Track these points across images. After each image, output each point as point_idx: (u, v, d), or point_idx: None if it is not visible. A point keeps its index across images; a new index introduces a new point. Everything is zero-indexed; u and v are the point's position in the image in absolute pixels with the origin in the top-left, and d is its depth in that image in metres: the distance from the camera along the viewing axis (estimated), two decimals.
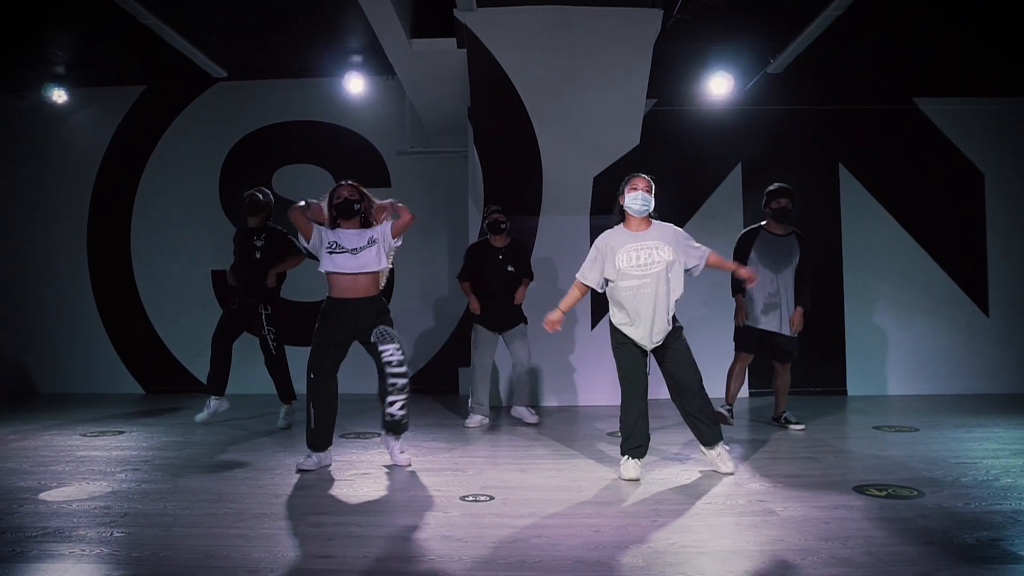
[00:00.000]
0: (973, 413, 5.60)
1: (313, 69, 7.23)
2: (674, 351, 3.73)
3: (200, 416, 5.24)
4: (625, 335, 3.71)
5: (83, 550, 2.67)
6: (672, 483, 3.61)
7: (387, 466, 4.01)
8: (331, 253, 3.89)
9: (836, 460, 4.09)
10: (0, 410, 6.10)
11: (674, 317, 3.72)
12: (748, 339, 5.09)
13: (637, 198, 3.68)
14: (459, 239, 7.16)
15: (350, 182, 4.04)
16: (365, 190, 4.05)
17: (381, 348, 3.88)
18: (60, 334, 7.47)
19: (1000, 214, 6.98)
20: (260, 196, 5.27)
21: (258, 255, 5.22)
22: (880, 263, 6.95)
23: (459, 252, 7.22)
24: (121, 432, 5.10)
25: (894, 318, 6.92)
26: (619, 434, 3.78)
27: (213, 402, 5.26)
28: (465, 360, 6.60)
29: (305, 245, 4.07)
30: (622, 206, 3.76)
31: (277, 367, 5.31)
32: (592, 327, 6.49)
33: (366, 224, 4.01)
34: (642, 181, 3.73)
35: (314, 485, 3.60)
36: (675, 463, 4.03)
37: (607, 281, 3.75)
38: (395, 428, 3.98)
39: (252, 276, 5.22)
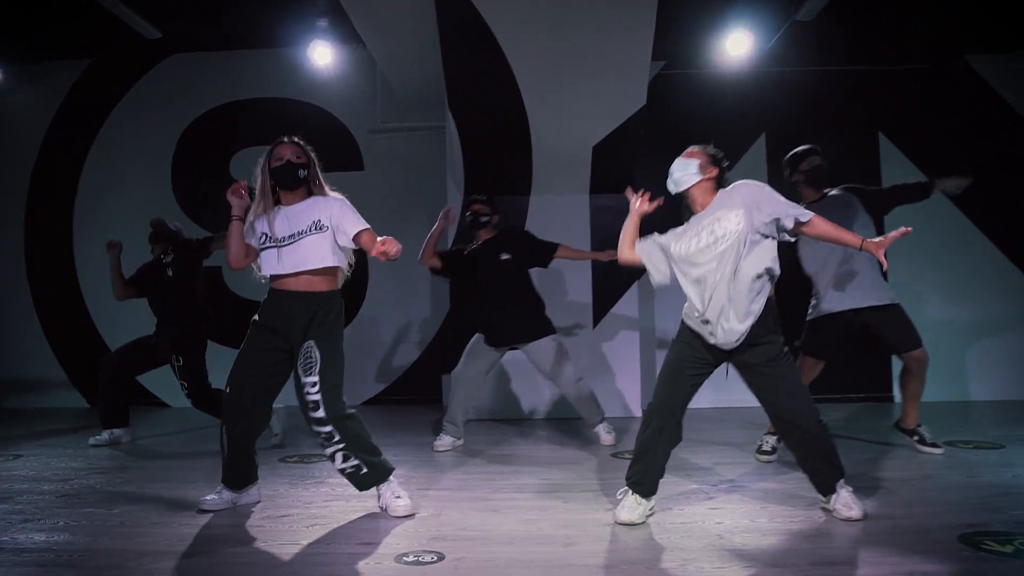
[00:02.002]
0: None
1: (273, 38, 6.37)
2: (770, 371, 2.70)
3: (98, 439, 4.55)
4: (690, 329, 2.79)
5: None
6: (697, 531, 2.61)
7: (317, 505, 3.07)
8: (262, 249, 2.94)
9: (917, 493, 3.07)
10: None
11: (768, 322, 2.70)
12: (823, 336, 3.74)
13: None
14: None
15: (294, 139, 3.00)
16: (312, 152, 3.02)
17: (303, 380, 2.84)
18: None
19: None
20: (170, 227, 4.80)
21: (170, 272, 4.55)
22: (928, 246, 5.91)
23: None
24: (18, 456, 4.19)
25: (945, 310, 5.94)
26: (628, 456, 2.80)
27: (117, 432, 4.61)
28: (448, 366, 5.67)
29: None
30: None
31: (205, 404, 4.43)
32: (594, 326, 5.53)
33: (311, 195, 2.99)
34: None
35: (207, 537, 2.63)
36: (700, 498, 3.04)
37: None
38: (357, 482, 2.96)
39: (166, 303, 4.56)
